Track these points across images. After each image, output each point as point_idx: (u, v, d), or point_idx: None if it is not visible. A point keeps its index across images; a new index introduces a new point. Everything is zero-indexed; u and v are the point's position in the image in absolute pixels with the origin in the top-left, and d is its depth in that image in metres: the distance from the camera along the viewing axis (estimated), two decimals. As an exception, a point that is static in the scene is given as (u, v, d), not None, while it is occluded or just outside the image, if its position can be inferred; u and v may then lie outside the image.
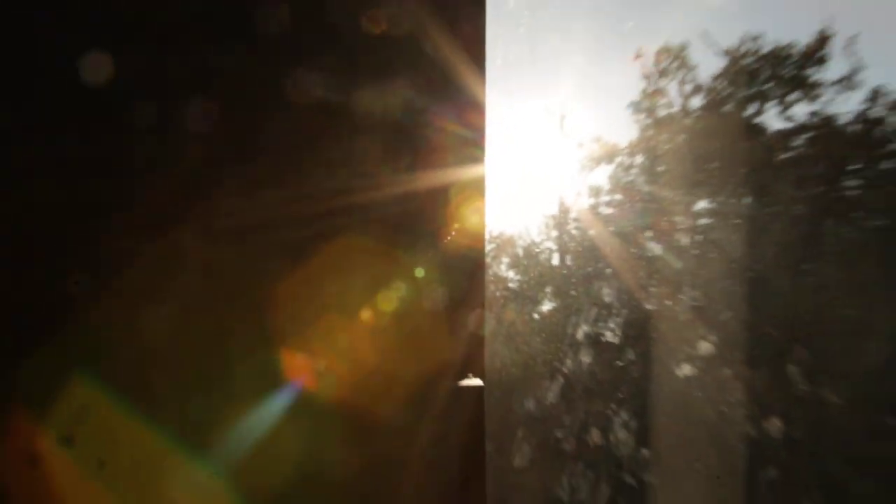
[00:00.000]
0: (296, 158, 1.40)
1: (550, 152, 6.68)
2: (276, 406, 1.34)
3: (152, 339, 1.32)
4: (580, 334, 6.71)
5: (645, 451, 6.23)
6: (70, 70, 1.30)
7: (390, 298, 1.40)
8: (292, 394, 1.35)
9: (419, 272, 1.40)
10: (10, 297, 1.27)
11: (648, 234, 6.78)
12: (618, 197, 6.95)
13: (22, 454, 1.24)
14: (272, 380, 1.35)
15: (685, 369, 6.29)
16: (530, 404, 6.56)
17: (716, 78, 6.65)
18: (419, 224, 1.42)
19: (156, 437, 1.32)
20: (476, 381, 1.42)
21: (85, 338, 1.29)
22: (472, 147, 1.47)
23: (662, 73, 6.74)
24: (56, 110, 1.33)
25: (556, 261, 6.98)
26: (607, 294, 6.54)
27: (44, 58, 1.32)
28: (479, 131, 1.48)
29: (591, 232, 6.96)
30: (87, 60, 1.32)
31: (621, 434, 6.41)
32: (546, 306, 6.92)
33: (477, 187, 1.49)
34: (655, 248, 6.76)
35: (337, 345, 1.37)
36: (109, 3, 1.37)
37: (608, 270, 6.84)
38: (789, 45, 6.53)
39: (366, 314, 1.38)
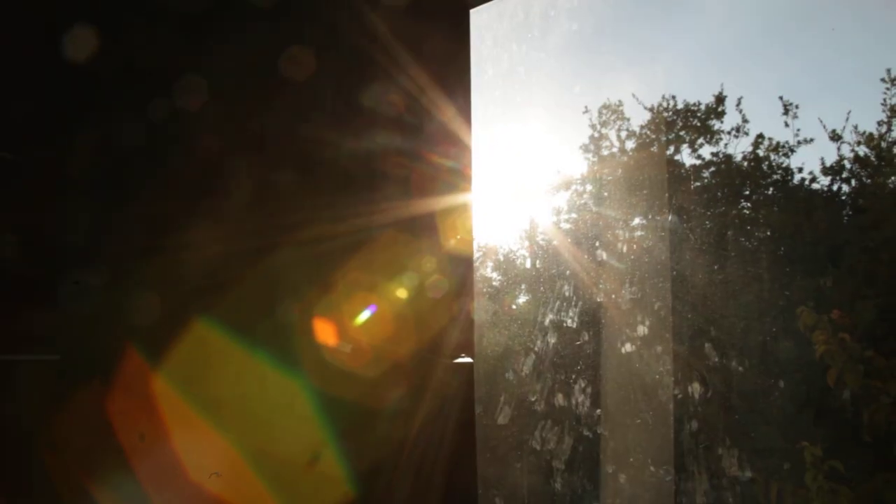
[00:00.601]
0: (334, 181, 1.32)
1: (523, 182, 6.89)
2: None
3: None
4: (547, 321, 6.84)
5: (598, 410, 6.29)
6: (91, 66, 1.13)
7: (399, 294, 1.34)
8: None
9: (422, 273, 1.35)
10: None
11: (597, 243, 6.95)
12: (574, 215, 7.16)
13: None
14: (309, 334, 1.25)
15: (627, 346, 6.41)
16: (510, 375, 6.63)
17: (643, 127, 6.91)
18: (423, 235, 1.38)
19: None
20: (467, 359, 1.37)
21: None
22: (462, 178, 1.44)
23: (604, 124, 6.99)
24: (75, 105, 1.14)
25: (528, 265, 7.22)
26: (567, 290, 6.70)
27: (62, 53, 1.13)
28: (467, 166, 1.44)
29: (555, 242, 7.21)
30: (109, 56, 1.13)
31: (580, 397, 6.48)
32: (521, 299, 7.13)
33: (466, 208, 1.44)
34: (603, 255, 6.91)
35: (356, 326, 1.30)
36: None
37: (568, 272, 6.99)
38: (696, 104, 6.80)
39: (380, 305, 1.32)
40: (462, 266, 1.42)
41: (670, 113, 6.86)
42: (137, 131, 1.13)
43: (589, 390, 6.38)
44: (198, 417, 1.15)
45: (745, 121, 6.68)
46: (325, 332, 1.27)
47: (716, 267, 6.32)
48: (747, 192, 6.59)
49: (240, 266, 1.22)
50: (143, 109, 1.16)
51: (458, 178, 1.43)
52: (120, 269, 1.16)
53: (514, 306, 7.18)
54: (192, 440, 1.15)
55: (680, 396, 6.00)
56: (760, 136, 6.59)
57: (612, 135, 7.07)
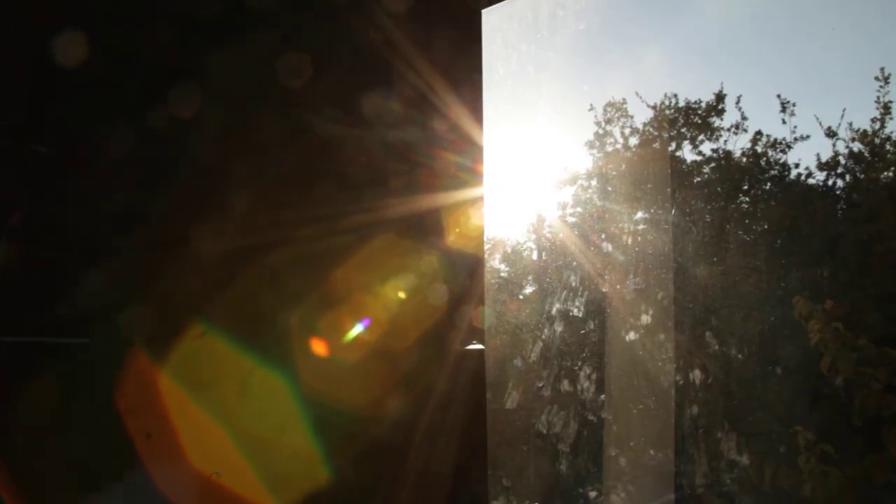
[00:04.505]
0: (334, 180, 1.26)
1: (531, 177, 6.87)
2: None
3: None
4: (554, 310, 6.85)
5: (602, 396, 6.31)
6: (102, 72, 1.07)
7: (411, 286, 1.32)
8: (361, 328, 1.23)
9: (433, 267, 1.33)
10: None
11: (602, 236, 6.95)
12: (579, 209, 7.15)
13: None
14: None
15: (631, 335, 6.42)
16: (518, 362, 6.66)
17: (646, 124, 6.89)
18: (435, 231, 1.34)
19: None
20: (478, 346, 1.36)
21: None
22: (473, 175, 1.40)
23: (609, 121, 6.96)
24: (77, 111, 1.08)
25: (535, 256, 7.22)
26: (573, 281, 6.70)
27: (67, 59, 1.06)
28: (478, 163, 1.40)
29: (561, 235, 7.20)
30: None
31: (585, 383, 6.51)
32: (528, 290, 7.13)
33: (478, 202, 1.41)
34: (608, 247, 6.90)
35: (372, 313, 1.27)
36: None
37: (574, 263, 6.98)
38: (697, 102, 6.76)
39: (394, 297, 1.30)
40: (473, 258, 1.40)
41: (672, 111, 6.82)
42: (141, 135, 1.12)
43: (594, 377, 6.41)
44: (201, 417, 1.12)
45: (744, 118, 6.67)
46: (339, 328, 1.24)
47: (716, 259, 6.31)
48: (746, 187, 6.57)
49: (243, 266, 1.18)
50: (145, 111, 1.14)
51: (469, 174, 1.41)
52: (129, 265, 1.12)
53: (521, 296, 7.19)
54: (196, 439, 1.12)
55: (681, 383, 6.00)
56: (759, 133, 6.59)
57: (616, 132, 7.07)
